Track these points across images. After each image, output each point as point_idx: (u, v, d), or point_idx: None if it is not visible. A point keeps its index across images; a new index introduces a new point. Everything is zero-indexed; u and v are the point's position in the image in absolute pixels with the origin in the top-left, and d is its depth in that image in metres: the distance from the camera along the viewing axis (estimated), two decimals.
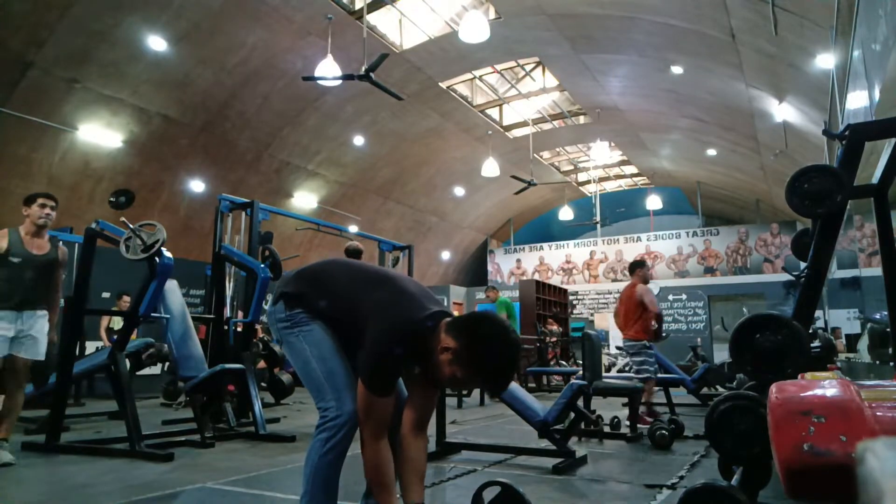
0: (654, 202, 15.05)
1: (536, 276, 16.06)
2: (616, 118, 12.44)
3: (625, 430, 4.77)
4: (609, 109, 12.03)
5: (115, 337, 4.27)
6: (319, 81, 7.87)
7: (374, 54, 7.23)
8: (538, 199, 16.71)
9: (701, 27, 8.06)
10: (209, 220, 6.39)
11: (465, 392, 7.77)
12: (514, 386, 3.90)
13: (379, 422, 1.70)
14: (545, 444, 3.66)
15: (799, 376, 2.16)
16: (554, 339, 11.78)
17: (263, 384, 7.70)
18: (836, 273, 10.81)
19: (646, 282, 5.73)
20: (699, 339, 13.37)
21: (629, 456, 3.99)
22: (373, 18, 8.99)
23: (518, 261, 17.40)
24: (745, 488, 1.99)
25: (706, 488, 1.91)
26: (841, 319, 10.71)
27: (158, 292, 4.20)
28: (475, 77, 11.47)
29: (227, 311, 5.75)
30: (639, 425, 4.69)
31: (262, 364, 7.73)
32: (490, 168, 11.90)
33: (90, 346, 7.62)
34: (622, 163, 15.91)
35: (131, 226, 4.01)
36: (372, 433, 1.69)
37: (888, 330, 3.86)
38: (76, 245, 7.34)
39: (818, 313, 9.49)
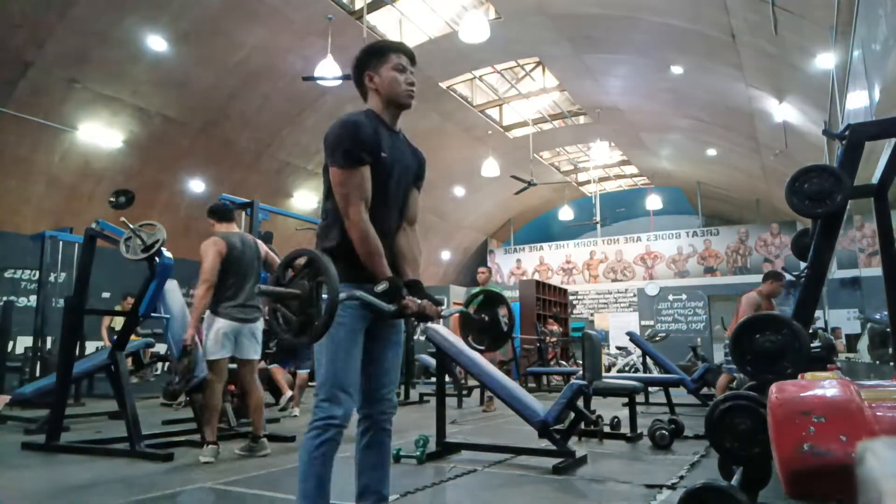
0: (654, 202, 15.05)
1: (536, 276, 16.06)
2: (616, 118, 12.44)
3: (625, 429, 4.77)
4: (609, 109, 12.03)
5: (116, 337, 4.27)
6: (319, 81, 7.87)
7: None
8: (538, 199, 16.70)
9: (701, 27, 8.06)
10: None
11: (464, 392, 7.77)
12: (514, 386, 3.90)
13: (356, 193, 1.77)
14: (545, 444, 3.66)
15: (799, 376, 2.16)
16: (554, 339, 11.78)
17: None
18: (836, 273, 10.80)
19: (771, 295, 5.97)
20: (699, 339, 13.38)
21: (629, 456, 3.99)
22: (373, 18, 8.99)
23: (518, 261, 17.40)
24: (745, 488, 1.99)
25: (706, 488, 1.91)
26: (841, 319, 10.70)
27: (158, 292, 4.21)
28: (475, 77, 11.47)
29: None
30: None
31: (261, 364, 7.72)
32: (490, 168, 11.90)
33: (90, 346, 7.63)
34: (622, 163, 15.91)
35: (131, 226, 4.01)
36: (354, 207, 1.76)
37: (888, 330, 3.86)
38: (76, 245, 7.36)
39: (818, 313, 9.49)
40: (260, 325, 3.93)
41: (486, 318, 2.02)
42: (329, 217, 1.88)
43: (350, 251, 1.83)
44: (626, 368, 11.77)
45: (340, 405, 1.75)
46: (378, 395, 1.90)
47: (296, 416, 6.08)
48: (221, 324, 3.72)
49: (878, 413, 1.32)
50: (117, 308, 7.71)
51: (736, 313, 6.13)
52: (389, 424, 1.92)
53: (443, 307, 1.82)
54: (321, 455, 1.73)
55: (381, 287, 1.70)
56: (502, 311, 2.01)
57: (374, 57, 1.91)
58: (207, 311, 3.77)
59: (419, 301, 1.75)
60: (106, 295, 8.93)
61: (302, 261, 1.64)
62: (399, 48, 1.94)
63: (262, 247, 4.10)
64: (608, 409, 5.86)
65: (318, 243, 1.90)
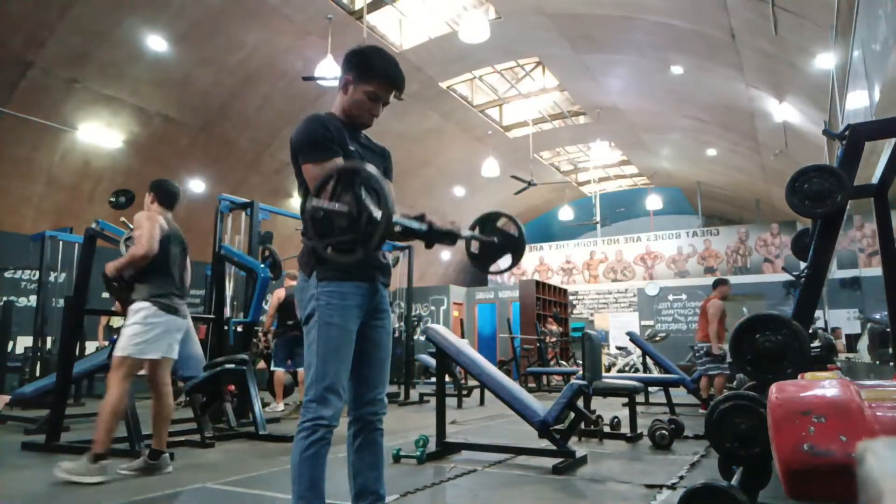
0: (654, 202, 15.04)
1: (536, 276, 16.06)
2: (616, 118, 12.43)
3: (625, 429, 4.77)
4: (609, 109, 12.03)
5: (115, 336, 4.26)
6: (319, 81, 7.87)
7: None
8: (538, 199, 16.69)
9: (701, 27, 8.06)
10: (209, 220, 6.39)
11: (464, 391, 7.76)
12: (514, 386, 3.90)
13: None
14: (545, 444, 3.66)
15: (799, 376, 2.16)
16: (553, 339, 11.78)
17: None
18: (836, 273, 10.81)
19: (723, 298, 6.49)
20: (697, 339, 13.36)
21: (629, 456, 3.99)
22: (373, 18, 8.99)
23: None
24: (745, 488, 1.99)
25: (706, 488, 1.91)
26: (841, 319, 10.71)
27: None
28: (475, 77, 11.47)
29: (227, 311, 5.76)
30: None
31: (262, 364, 7.73)
32: (490, 168, 11.89)
33: (90, 346, 7.63)
34: (622, 163, 15.91)
35: (131, 226, 4.01)
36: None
37: (888, 330, 3.86)
38: (76, 245, 7.36)
39: (818, 313, 9.50)
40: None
41: (496, 240, 2.01)
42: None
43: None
44: (626, 368, 11.77)
45: (329, 406, 1.75)
46: (369, 396, 1.90)
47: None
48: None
49: (878, 413, 1.32)
50: (114, 309, 7.70)
51: (702, 316, 6.55)
52: (381, 424, 1.92)
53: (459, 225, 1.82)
54: (312, 455, 1.74)
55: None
56: (502, 222, 2.03)
57: (361, 69, 1.88)
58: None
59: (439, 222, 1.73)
60: (106, 295, 8.91)
61: (342, 176, 1.54)
62: (389, 81, 1.89)
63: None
64: (608, 409, 5.86)
65: (303, 242, 1.90)
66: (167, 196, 3.53)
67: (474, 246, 2.08)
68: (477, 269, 2.14)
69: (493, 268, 2.06)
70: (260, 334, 6.93)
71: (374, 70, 1.88)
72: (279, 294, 6.57)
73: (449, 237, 1.75)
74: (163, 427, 3.33)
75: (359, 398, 1.89)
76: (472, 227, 2.04)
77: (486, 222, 2.03)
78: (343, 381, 1.80)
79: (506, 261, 2.01)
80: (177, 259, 3.47)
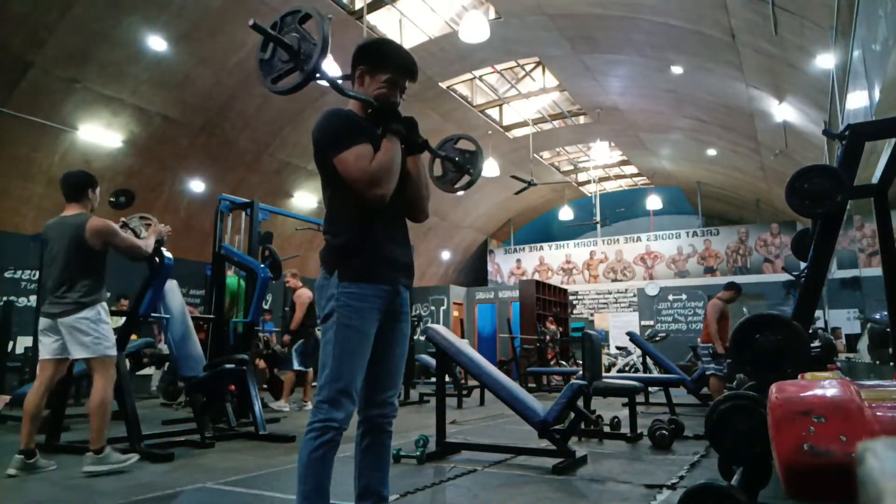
0: (654, 202, 15.04)
1: (536, 276, 16.06)
2: (616, 118, 12.43)
3: (625, 429, 4.77)
4: (609, 109, 12.03)
5: (115, 336, 4.26)
6: (319, 81, 7.86)
7: None
8: (538, 199, 16.70)
9: (701, 27, 8.06)
10: (209, 220, 6.39)
11: (464, 391, 7.76)
12: (515, 386, 3.90)
13: (365, 160, 1.77)
14: (545, 444, 3.66)
15: (799, 376, 2.17)
16: (549, 337, 11.77)
17: (264, 385, 7.71)
18: (836, 273, 10.81)
19: (729, 301, 6.46)
20: (699, 340, 13.36)
21: (629, 456, 3.99)
22: (373, 18, 8.99)
23: (518, 261, 17.40)
24: (745, 488, 1.99)
25: (706, 488, 1.91)
26: (841, 319, 10.71)
27: (159, 292, 4.21)
28: (475, 77, 11.47)
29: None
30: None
31: (262, 364, 7.73)
32: (490, 168, 11.88)
33: None
34: (622, 163, 15.91)
35: (131, 226, 4.01)
36: (367, 168, 1.76)
37: (888, 330, 3.86)
38: None
39: (818, 313, 9.51)
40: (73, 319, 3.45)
41: (457, 158, 2.20)
42: (332, 210, 1.87)
43: (359, 249, 1.82)
44: (626, 368, 11.77)
45: (341, 409, 1.74)
46: (381, 398, 1.89)
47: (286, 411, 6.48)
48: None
49: (878, 413, 1.32)
50: (112, 309, 7.70)
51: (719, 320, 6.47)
52: (390, 426, 1.92)
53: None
54: (320, 456, 1.73)
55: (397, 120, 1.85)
56: (461, 143, 2.18)
57: (376, 58, 1.89)
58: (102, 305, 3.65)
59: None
60: (106, 294, 8.92)
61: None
62: (404, 67, 1.90)
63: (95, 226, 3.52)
64: (608, 409, 5.87)
65: (326, 240, 1.89)
66: (62, 187, 3.63)
67: (437, 169, 2.26)
68: (441, 190, 2.31)
69: (458, 185, 2.23)
70: (284, 337, 6.86)
71: (388, 57, 1.89)
72: (308, 295, 6.55)
73: (401, 123, 1.85)
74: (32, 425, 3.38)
75: (370, 399, 1.88)
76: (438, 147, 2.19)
77: (446, 143, 2.21)
78: (357, 385, 1.78)
79: (464, 179, 2.17)
80: (55, 257, 3.53)
